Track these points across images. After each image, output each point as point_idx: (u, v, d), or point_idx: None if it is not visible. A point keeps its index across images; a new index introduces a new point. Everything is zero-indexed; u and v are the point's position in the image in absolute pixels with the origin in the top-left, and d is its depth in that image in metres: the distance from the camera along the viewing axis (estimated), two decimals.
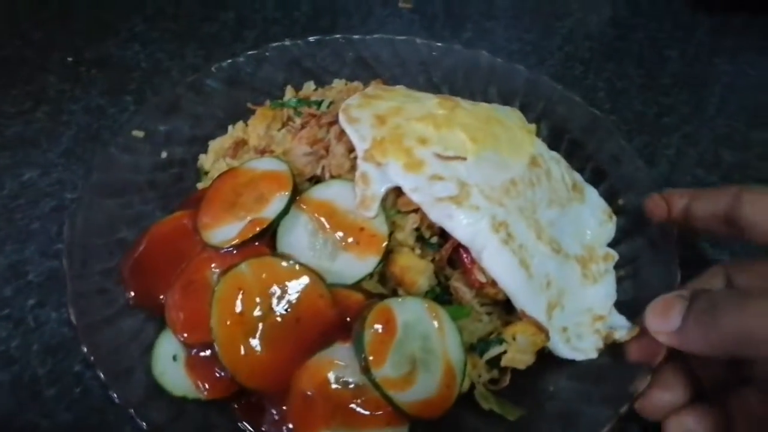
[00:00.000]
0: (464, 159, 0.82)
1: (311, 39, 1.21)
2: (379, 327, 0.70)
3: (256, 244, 0.79)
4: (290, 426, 0.69)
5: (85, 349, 0.74)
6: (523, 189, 0.85)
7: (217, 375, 0.73)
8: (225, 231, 0.81)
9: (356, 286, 0.77)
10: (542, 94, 1.14)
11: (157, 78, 1.29)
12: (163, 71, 1.32)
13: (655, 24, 1.58)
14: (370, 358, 0.68)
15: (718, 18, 1.60)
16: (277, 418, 0.70)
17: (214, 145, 1.03)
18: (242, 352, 0.71)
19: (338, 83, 1.12)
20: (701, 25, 1.58)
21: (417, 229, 0.82)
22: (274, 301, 0.73)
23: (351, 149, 0.86)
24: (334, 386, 0.69)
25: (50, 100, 1.23)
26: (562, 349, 0.79)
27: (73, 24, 1.43)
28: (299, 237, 0.80)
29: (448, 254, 0.81)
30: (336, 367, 0.70)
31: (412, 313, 0.73)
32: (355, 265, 0.78)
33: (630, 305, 0.83)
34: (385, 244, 0.78)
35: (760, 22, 1.58)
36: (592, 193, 0.95)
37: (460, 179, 0.80)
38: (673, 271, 0.84)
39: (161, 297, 0.80)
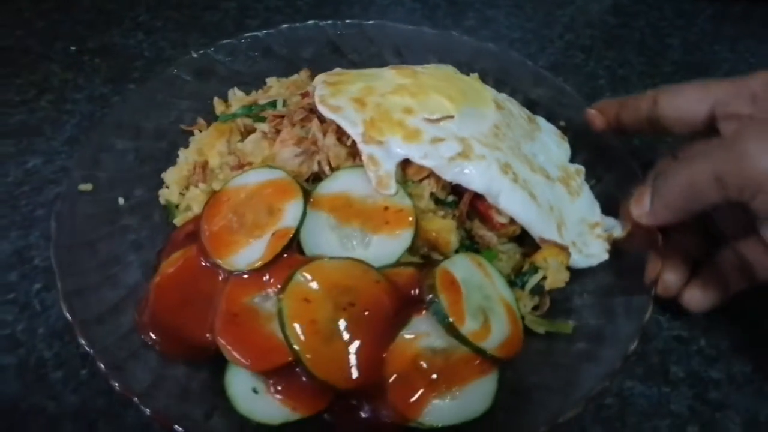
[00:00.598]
0: (452, 117, 0.87)
1: (284, 26, 1.21)
2: (447, 289, 0.74)
3: (284, 255, 0.77)
4: (396, 409, 0.71)
5: (84, 342, 0.74)
6: (505, 131, 0.92)
7: (309, 390, 0.71)
8: (247, 253, 0.78)
9: (398, 262, 0.79)
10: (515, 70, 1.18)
11: (160, 67, 1.30)
12: (166, 60, 1.32)
13: (656, 12, 1.58)
14: (452, 319, 0.71)
15: (718, 6, 1.60)
16: (370, 413, 0.72)
17: (171, 176, 0.96)
18: (329, 358, 0.70)
19: (272, 80, 1.12)
20: (702, 12, 1.58)
21: (432, 193, 0.86)
22: (338, 300, 0.73)
23: (341, 138, 0.87)
24: (426, 357, 0.72)
25: (54, 88, 1.23)
26: (579, 260, 0.88)
27: (77, 13, 1.43)
28: (326, 236, 0.80)
29: (466, 208, 0.86)
30: (421, 339, 0.73)
31: (464, 269, 0.78)
32: (390, 244, 0.79)
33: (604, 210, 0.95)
34: (413, 215, 0.80)
35: (761, 10, 1.59)
36: (542, 121, 1.05)
37: (457, 136, 0.86)
38: (632, 168, 0.97)
39: (195, 340, 0.75)
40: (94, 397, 0.79)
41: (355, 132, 0.84)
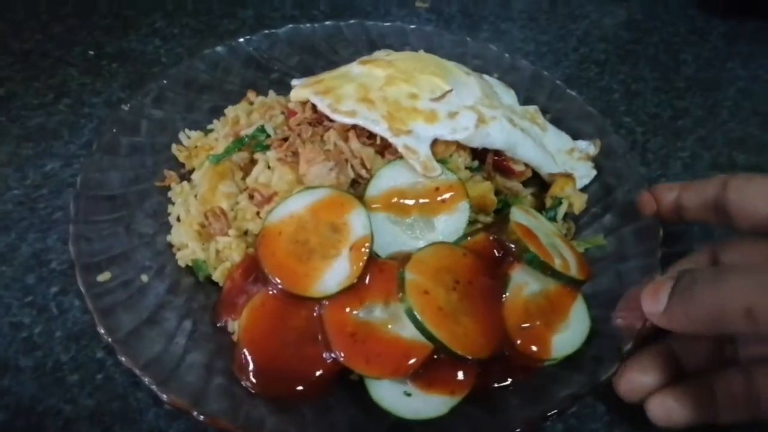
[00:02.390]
0: (451, 91, 0.93)
1: (265, 32, 1.25)
2: (529, 238, 0.81)
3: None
4: (528, 356, 0.78)
5: (102, 331, 0.76)
6: (489, 91, 1.01)
7: (456, 370, 0.76)
8: (332, 275, 0.77)
9: (466, 232, 0.85)
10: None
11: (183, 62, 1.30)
12: None
13: (670, 27, 1.59)
14: (545, 260, 0.80)
15: (732, 23, 1.61)
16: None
17: (184, 236, 0.90)
18: (464, 335, 0.74)
19: (229, 110, 1.09)
20: (715, 29, 1.59)
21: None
22: (446, 282, 0.77)
23: (363, 139, 0.89)
24: (533, 303, 0.80)
25: (72, 92, 1.25)
26: (577, 183, 0.99)
27: (94, 18, 1.44)
28: (392, 233, 0.83)
29: (490, 167, 0.96)
30: (523, 289, 0.80)
31: (523, 218, 0.85)
32: (453, 220, 0.85)
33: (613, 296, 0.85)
34: (464, 187, 0.87)
35: None
36: (486, 76, 1.12)
37: (465, 106, 0.93)
38: (653, 263, 0.88)
39: (304, 377, 0.76)
40: (110, 401, 0.80)
41: (381, 129, 0.87)
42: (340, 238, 0.80)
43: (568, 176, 0.98)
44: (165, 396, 0.71)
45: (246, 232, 0.89)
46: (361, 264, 0.77)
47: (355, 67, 1.00)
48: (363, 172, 0.87)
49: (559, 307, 0.81)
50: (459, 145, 0.92)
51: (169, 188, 0.98)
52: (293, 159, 0.88)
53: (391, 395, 0.74)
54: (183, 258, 0.89)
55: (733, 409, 0.71)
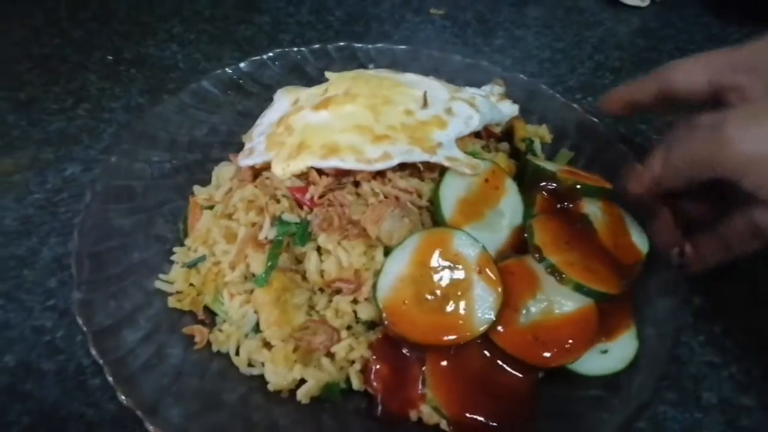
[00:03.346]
0: (425, 92, 0.94)
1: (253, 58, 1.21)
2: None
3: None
4: None
5: (94, 352, 0.75)
6: (440, 80, 1.05)
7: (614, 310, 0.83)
8: (481, 304, 0.77)
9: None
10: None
11: (194, 78, 1.31)
12: (200, 72, 1.34)
13: (684, 35, 1.59)
14: (599, 184, 0.94)
15: (746, 30, 1.61)
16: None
17: (285, 377, 0.79)
18: (606, 277, 0.83)
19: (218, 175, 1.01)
20: (730, 36, 1.59)
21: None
22: (563, 246, 0.84)
23: (400, 173, 0.88)
24: (610, 221, 0.92)
25: (91, 97, 1.26)
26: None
27: (113, 24, 1.46)
28: (482, 238, 0.83)
29: (491, 140, 1.04)
30: (599, 216, 0.91)
31: (551, 165, 0.98)
32: (511, 198, 0.90)
33: None
34: (503, 165, 0.94)
35: None
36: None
37: (447, 99, 0.96)
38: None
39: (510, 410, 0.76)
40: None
41: (418, 155, 0.86)
42: (461, 268, 0.80)
43: (517, 119, 1.07)
44: None
45: (350, 327, 0.83)
46: (497, 278, 0.79)
47: (311, 116, 0.91)
48: (423, 203, 0.87)
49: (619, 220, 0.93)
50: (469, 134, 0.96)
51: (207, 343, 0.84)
52: (349, 231, 0.83)
53: (593, 362, 0.79)
54: (305, 394, 0.78)
55: (745, 242, 0.80)
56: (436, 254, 0.80)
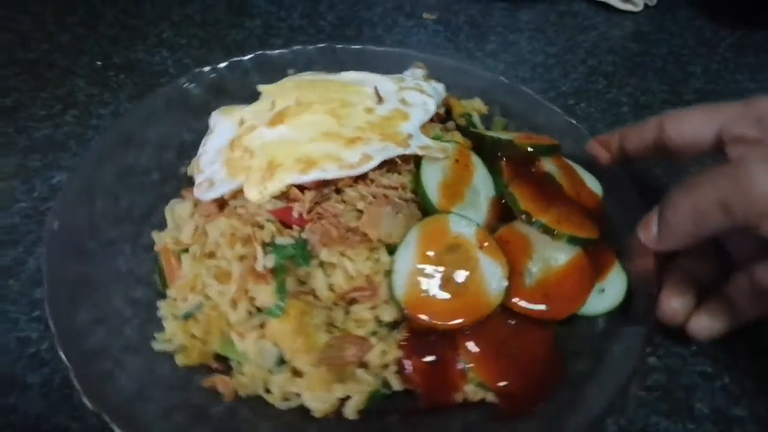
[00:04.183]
0: (375, 87, 0.96)
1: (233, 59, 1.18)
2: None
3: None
4: None
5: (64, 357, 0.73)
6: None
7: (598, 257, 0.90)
8: (492, 278, 0.81)
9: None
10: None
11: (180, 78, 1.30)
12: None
13: (678, 39, 1.59)
14: (553, 143, 1.01)
15: (740, 34, 1.61)
16: None
17: (323, 400, 0.77)
18: (585, 222, 0.90)
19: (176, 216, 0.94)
20: (723, 41, 1.59)
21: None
22: (544, 205, 0.90)
23: (382, 169, 0.88)
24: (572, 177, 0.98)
25: (79, 103, 1.24)
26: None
27: (101, 29, 1.45)
28: (471, 214, 0.87)
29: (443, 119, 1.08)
30: (557, 172, 0.97)
31: (504, 135, 1.02)
32: (482, 174, 0.94)
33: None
34: (464, 145, 0.97)
35: None
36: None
37: (399, 89, 1.00)
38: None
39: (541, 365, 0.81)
40: None
41: (394, 151, 0.87)
42: (464, 249, 0.83)
43: (450, 96, 1.10)
44: None
45: (375, 332, 0.82)
46: (499, 251, 0.83)
47: (268, 133, 0.89)
48: (408, 195, 0.87)
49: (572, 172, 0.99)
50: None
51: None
52: (350, 239, 0.82)
53: (597, 303, 0.85)
54: (353, 409, 0.77)
55: (750, 308, 0.79)
56: (436, 241, 0.82)
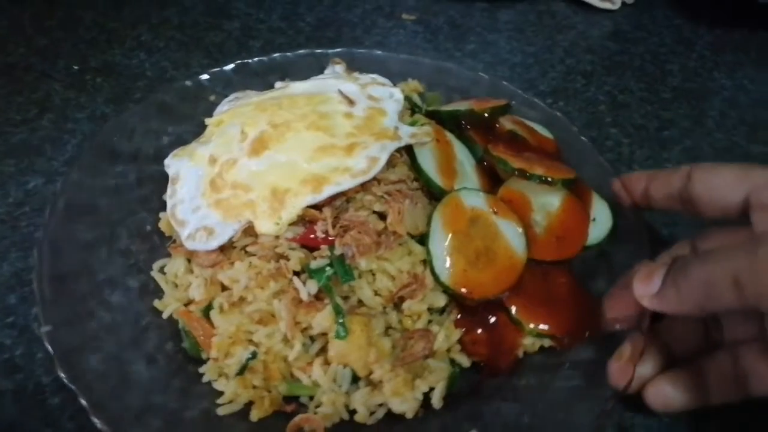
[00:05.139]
0: (339, 91, 0.98)
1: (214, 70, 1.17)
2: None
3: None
4: None
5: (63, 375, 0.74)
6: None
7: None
8: (514, 237, 0.87)
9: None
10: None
11: (162, 86, 1.30)
12: (168, 80, 1.32)
13: (656, 38, 1.59)
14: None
15: (718, 33, 1.62)
16: None
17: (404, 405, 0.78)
18: (561, 167, 0.97)
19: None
20: (701, 39, 1.60)
21: None
22: (531, 161, 0.95)
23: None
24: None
25: (55, 107, 1.24)
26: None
27: (79, 32, 1.44)
28: (467, 179, 0.94)
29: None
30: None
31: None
32: (460, 144, 0.99)
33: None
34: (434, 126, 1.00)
35: (760, 37, 1.60)
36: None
37: (363, 86, 1.01)
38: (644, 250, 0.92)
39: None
40: (92, 425, 0.77)
41: (393, 146, 0.89)
42: (483, 219, 0.87)
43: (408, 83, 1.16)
44: None
45: (430, 321, 0.85)
46: (510, 211, 0.89)
47: (253, 163, 0.87)
48: (414, 184, 0.91)
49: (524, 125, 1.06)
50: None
51: None
52: (383, 242, 0.83)
53: (594, 232, 0.93)
54: (439, 398, 0.79)
55: (724, 390, 0.75)
56: (458, 217, 0.86)
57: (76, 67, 1.34)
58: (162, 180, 0.97)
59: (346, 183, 0.84)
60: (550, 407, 0.78)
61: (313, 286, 0.79)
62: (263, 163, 0.87)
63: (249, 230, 0.84)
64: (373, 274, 0.83)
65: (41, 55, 1.36)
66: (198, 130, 1.04)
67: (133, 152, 1.02)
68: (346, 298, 0.81)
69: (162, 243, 0.93)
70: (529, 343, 0.84)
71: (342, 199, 0.85)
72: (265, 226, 0.83)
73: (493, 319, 0.85)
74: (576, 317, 0.85)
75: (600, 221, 0.94)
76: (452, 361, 0.83)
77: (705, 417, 0.84)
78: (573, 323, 0.84)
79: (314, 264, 0.80)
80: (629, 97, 1.40)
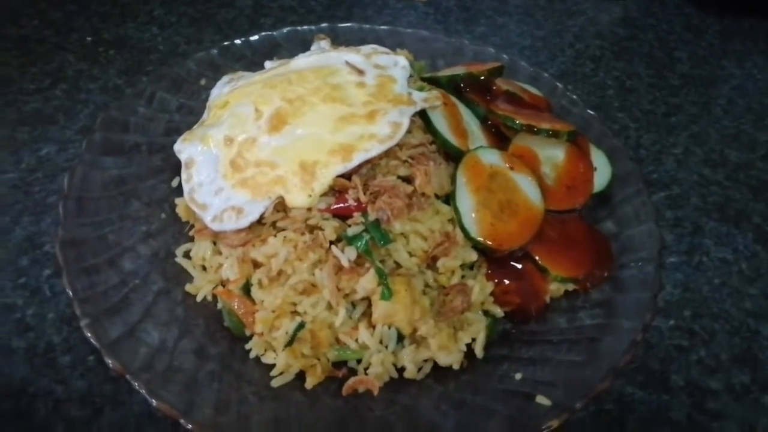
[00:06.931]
0: (347, 62, 0.98)
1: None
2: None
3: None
4: None
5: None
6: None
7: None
8: (531, 191, 0.92)
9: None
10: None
11: (174, 60, 1.31)
12: (180, 54, 1.33)
13: (665, 25, 1.60)
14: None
15: (727, 21, 1.62)
16: None
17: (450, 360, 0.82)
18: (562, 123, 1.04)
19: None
20: (711, 27, 1.60)
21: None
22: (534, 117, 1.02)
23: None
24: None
25: (68, 78, 1.25)
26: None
27: (93, 5, 1.45)
28: (477, 139, 0.98)
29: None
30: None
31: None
32: (464, 108, 1.01)
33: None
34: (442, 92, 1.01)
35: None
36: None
37: (368, 54, 1.01)
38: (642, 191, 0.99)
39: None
40: (101, 383, 0.81)
41: (411, 110, 0.90)
42: (501, 174, 0.91)
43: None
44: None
45: (463, 276, 0.88)
46: (524, 165, 0.93)
47: (274, 139, 0.87)
48: (433, 147, 0.93)
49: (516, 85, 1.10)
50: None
51: None
52: (414, 203, 0.85)
53: (599, 179, 0.99)
54: (481, 347, 0.83)
55: None
56: (479, 174, 0.90)
57: (89, 39, 1.35)
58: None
59: (375, 149, 0.84)
60: (581, 344, 0.81)
61: (352, 253, 0.81)
62: (285, 138, 0.87)
63: (276, 206, 0.85)
64: (406, 237, 0.84)
65: (54, 27, 1.38)
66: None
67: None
68: (382, 261, 0.82)
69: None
70: (554, 288, 0.89)
71: (368, 167, 0.86)
72: (298, 199, 0.83)
73: (520, 269, 0.89)
74: (594, 259, 0.91)
75: (601, 170, 1.00)
76: (485, 313, 0.86)
77: (703, 393, 0.86)
78: (592, 265, 0.90)
79: (351, 231, 0.81)
80: (637, 82, 1.40)
